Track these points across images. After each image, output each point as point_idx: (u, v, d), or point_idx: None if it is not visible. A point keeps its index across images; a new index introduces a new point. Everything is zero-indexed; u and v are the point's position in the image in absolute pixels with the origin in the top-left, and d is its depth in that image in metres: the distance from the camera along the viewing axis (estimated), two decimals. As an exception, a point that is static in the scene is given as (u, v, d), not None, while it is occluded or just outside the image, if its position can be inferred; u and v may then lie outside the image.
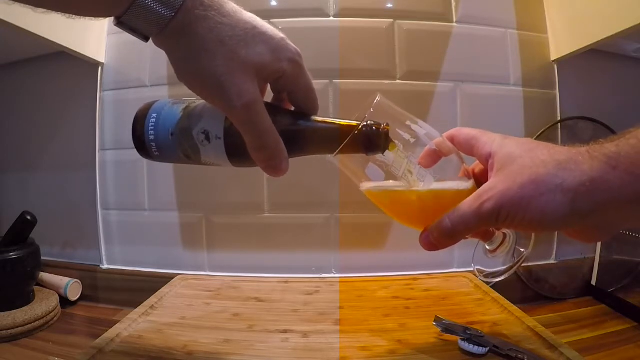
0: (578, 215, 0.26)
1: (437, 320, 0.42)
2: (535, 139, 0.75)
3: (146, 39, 0.28)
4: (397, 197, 0.33)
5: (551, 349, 0.38)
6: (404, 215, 0.35)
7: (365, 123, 0.31)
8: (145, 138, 0.34)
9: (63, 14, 0.26)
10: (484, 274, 0.37)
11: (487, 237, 0.36)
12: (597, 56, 0.71)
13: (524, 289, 0.69)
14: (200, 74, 0.27)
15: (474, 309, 0.49)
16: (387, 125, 0.31)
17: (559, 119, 0.72)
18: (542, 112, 0.73)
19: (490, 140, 0.31)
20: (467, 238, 0.34)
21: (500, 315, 0.47)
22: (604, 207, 0.26)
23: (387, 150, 0.31)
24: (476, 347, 0.37)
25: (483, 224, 0.29)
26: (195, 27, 0.26)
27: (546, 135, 0.71)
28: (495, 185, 0.28)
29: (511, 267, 0.35)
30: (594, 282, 0.69)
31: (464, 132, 0.33)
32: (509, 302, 0.50)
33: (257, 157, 0.30)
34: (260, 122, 0.28)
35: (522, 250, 0.35)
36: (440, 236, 0.30)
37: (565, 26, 0.70)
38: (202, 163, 0.34)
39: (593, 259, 0.70)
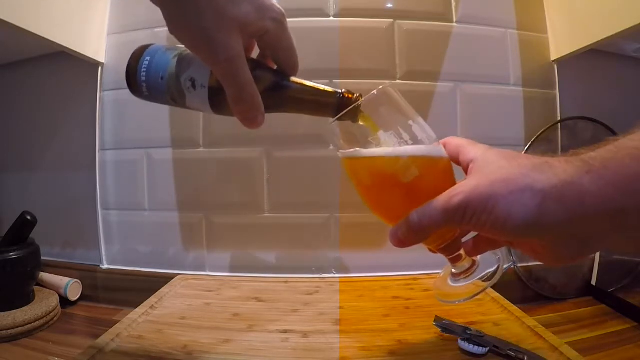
0: (546, 220, 0.24)
1: (437, 320, 0.42)
2: (535, 139, 0.75)
3: None
4: (370, 163, 0.33)
5: (551, 349, 0.38)
6: (371, 186, 0.34)
7: (339, 91, 0.33)
8: (138, 78, 0.36)
9: None
10: (441, 296, 0.37)
11: (455, 259, 0.35)
12: (597, 56, 0.71)
13: (524, 289, 0.69)
14: (190, 28, 0.29)
15: (474, 309, 0.49)
16: (360, 95, 0.33)
17: (559, 119, 0.72)
18: (542, 112, 0.73)
19: (475, 149, 0.31)
20: (435, 252, 0.34)
21: (500, 315, 0.47)
22: (574, 215, 0.24)
23: (359, 122, 0.33)
24: (476, 347, 0.37)
25: (450, 220, 0.27)
26: None
27: (546, 135, 0.71)
28: (467, 182, 0.28)
29: (472, 295, 0.34)
30: (594, 282, 0.69)
31: (455, 140, 0.34)
32: (509, 302, 0.50)
33: (235, 108, 0.32)
34: (240, 76, 0.30)
35: (485, 281, 0.34)
36: (407, 231, 0.30)
37: (565, 26, 0.70)
38: (187, 107, 0.36)
39: (593, 259, 0.70)
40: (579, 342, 0.52)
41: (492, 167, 0.28)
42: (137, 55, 0.36)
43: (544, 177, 0.25)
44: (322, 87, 0.34)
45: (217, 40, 0.29)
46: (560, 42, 0.71)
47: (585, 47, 0.65)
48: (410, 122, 0.32)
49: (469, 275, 0.35)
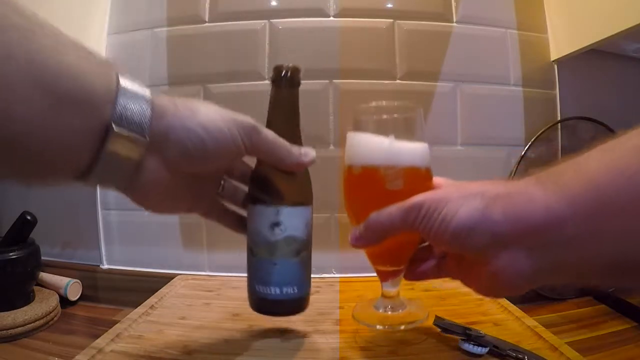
0: (490, 221, 0.25)
1: (437, 320, 0.42)
2: (535, 139, 0.75)
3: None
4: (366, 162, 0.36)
5: (551, 349, 0.38)
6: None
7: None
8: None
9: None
10: (357, 314, 0.40)
11: (389, 286, 0.39)
12: (597, 56, 0.71)
13: (524, 289, 0.69)
14: (198, 150, 0.29)
15: (474, 309, 0.49)
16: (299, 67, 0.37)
17: (559, 119, 0.72)
18: (542, 112, 0.73)
19: (450, 182, 0.34)
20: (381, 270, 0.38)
21: (500, 315, 0.47)
22: (518, 220, 0.24)
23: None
24: (476, 347, 0.37)
25: (405, 219, 0.29)
26: (168, 131, 0.28)
27: (546, 135, 0.71)
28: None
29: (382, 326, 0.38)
30: (594, 282, 0.69)
31: (438, 180, 0.36)
32: (508, 302, 0.50)
33: (291, 161, 0.33)
34: (272, 134, 0.32)
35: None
36: (365, 229, 0.31)
37: (565, 26, 0.70)
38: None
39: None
40: (579, 342, 0.52)
41: (454, 185, 0.31)
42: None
43: (496, 187, 0.26)
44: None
45: (229, 133, 0.29)
46: (560, 42, 0.71)
47: (585, 47, 0.65)
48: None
49: (392, 309, 0.39)
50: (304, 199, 0.39)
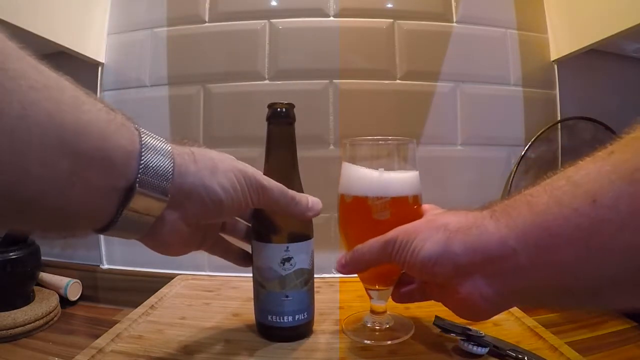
0: (451, 251, 0.27)
1: (437, 320, 0.42)
2: (535, 139, 0.75)
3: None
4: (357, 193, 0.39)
5: (551, 349, 0.38)
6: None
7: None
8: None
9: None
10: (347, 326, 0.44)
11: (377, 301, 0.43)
12: (597, 56, 0.71)
13: (524, 289, 0.69)
14: (216, 207, 0.30)
15: (474, 309, 0.49)
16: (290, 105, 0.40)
17: (559, 119, 0.72)
18: (542, 112, 0.73)
19: (435, 210, 0.36)
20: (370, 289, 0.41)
21: (500, 315, 0.47)
22: (475, 250, 0.26)
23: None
24: (476, 347, 0.37)
25: (383, 250, 0.32)
26: (191, 190, 0.29)
27: (546, 135, 0.71)
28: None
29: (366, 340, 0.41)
30: (594, 282, 0.69)
31: (425, 206, 0.38)
32: (509, 302, 0.50)
33: (296, 207, 0.35)
34: (278, 189, 0.33)
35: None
36: (350, 257, 0.35)
37: (565, 26, 0.70)
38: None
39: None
40: (579, 342, 0.52)
41: (432, 214, 0.33)
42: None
43: (457, 220, 0.29)
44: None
45: (237, 189, 0.31)
46: (560, 42, 0.71)
47: (585, 47, 0.65)
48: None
49: (379, 324, 0.42)
50: (309, 232, 0.41)
